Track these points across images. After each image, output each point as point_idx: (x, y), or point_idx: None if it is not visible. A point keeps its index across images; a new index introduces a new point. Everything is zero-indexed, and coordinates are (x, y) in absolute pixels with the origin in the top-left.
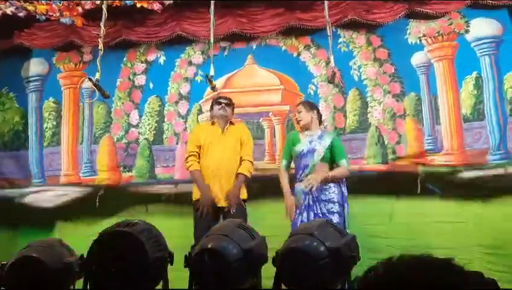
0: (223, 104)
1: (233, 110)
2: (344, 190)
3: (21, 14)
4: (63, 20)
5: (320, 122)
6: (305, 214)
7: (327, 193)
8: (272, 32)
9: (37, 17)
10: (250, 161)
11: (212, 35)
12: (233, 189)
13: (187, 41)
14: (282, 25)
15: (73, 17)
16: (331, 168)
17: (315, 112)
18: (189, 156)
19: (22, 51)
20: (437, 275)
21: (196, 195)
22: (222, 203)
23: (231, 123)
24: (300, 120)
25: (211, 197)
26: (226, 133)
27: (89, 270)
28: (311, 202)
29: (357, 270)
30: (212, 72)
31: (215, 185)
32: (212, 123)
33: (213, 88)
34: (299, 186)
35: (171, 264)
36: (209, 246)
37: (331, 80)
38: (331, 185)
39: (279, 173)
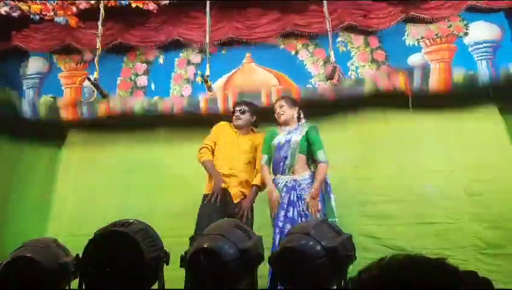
0: (238, 114)
1: (253, 115)
2: (328, 181)
3: (15, 14)
4: (57, 19)
5: (299, 119)
6: (290, 210)
7: (308, 192)
8: (269, 38)
9: (31, 16)
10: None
11: (208, 34)
12: (248, 199)
13: (184, 45)
14: (279, 31)
15: (67, 17)
16: (308, 160)
17: (297, 109)
18: (202, 147)
19: (19, 52)
20: (431, 274)
21: (206, 189)
22: (233, 198)
23: (252, 131)
24: (282, 114)
25: (222, 186)
26: (242, 137)
27: (84, 271)
28: (294, 199)
29: (352, 270)
30: (207, 72)
31: (225, 183)
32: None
33: (209, 88)
34: (280, 179)
35: (167, 264)
36: (206, 245)
37: (330, 76)
38: (310, 185)
39: (261, 169)
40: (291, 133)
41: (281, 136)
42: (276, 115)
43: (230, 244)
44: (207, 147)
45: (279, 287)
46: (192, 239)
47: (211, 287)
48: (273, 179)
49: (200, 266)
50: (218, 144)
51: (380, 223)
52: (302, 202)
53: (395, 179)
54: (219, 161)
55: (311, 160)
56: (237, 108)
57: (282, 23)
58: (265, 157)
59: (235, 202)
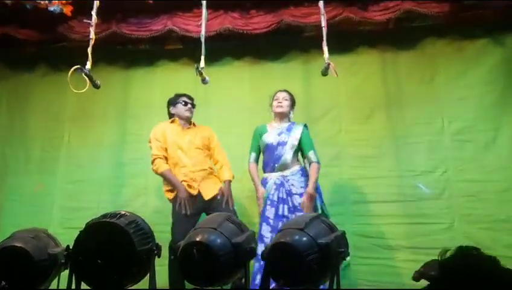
0: (190, 106)
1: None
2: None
3: (8, 2)
4: (50, 8)
5: (290, 119)
6: (280, 207)
7: (298, 186)
8: (266, 29)
9: (25, 4)
10: (228, 164)
11: (204, 27)
12: (226, 190)
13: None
14: (276, 22)
15: (61, 6)
16: (298, 155)
17: (293, 111)
18: (155, 159)
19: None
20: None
21: (170, 195)
22: (207, 195)
23: (194, 124)
24: (281, 106)
25: (187, 191)
26: (189, 131)
27: (75, 261)
28: (284, 195)
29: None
30: (202, 64)
31: (195, 182)
32: (172, 121)
33: (203, 80)
34: (270, 177)
35: (159, 256)
36: (198, 239)
37: (324, 72)
38: (302, 179)
39: (248, 167)
40: (283, 134)
41: (271, 135)
42: (274, 103)
43: (222, 238)
44: (160, 157)
45: (271, 287)
46: (171, 248)
47: (202, 280)
48: (263, 178)
49: (192, 259)
50: (168, 146)
51: (372, 222)
52: (292, 197)
53: (387, 179)
54: (175, 161)
55: (301, 154)
56: (189, 100)
57: (279, 13)
58: (253, 155)
59: (206, 199)
